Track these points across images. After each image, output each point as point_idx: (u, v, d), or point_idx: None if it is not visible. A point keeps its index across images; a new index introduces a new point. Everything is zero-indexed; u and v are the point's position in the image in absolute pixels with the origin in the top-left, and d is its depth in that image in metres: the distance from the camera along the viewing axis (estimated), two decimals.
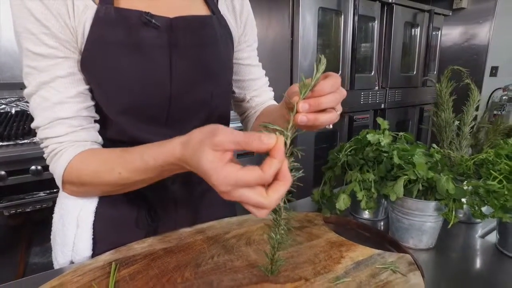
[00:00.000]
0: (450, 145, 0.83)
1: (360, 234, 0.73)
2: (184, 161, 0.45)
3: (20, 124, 1.62)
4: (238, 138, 0.38)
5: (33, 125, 0.60)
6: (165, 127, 0.66)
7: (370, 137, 0.74)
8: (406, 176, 0.65)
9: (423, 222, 0.66)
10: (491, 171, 0.63)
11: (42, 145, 0.61)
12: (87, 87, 0.61)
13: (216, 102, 0.71)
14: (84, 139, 0.61)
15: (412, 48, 2.68)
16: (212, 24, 0.67)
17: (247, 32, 0.77)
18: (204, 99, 0.69)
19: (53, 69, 0.57)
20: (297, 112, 0.43)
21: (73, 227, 0.66)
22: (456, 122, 0.83)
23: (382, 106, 2.51)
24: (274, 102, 0.85)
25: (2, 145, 1.40)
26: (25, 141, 1.44)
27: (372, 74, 2.42)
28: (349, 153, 0.77)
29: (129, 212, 0.70)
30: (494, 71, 3.09)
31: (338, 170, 0.78)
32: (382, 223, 0.81)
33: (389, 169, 0.70)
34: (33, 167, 1.40)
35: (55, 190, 1.50)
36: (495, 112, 2.73)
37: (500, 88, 2.97)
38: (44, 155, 0.61)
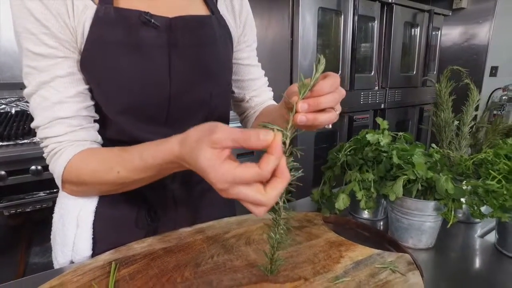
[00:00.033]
0: (449, 145, 0.84)
1: (359, 233, 0.73)
2: (182, 159, 0.45)
3: (20, 124, 1.62)
4: (235, 135, 0.38)
5: (33, 124, 0.60)
6: (165, 126, 0.66)
7: (370, 137, 0.74)
8: (405, 176, 0.65)
9: (422, 222, 0.66)
10: (490, 171, 0.63)
11: (42, 145, 0.61)
12: (87, 86, 0.62)
13: (215, 102, 0.71)
14: (84, 138, 0.61)
15: (412, 48, 2.68)
16: (211, 24, 0.68)
17: (246, 32, 0.77)
18: (203, 99, 0.69)
19: (52, 69, 0.57)
20: (296, 112, 0.44)
21: (73, 227, 0.66)
22: (456, 122, 0.83)
23: (382, 106, 2.51)
24: (274, 102, 0.85)
25: (2, 145, 1.40)
26: (25, 141, 1.44)
27: (372, 74, 2.42)
28: (348, 153, 0.77)
29: (129, 212, 0.70)
30: (494, 71, 3.09)
31: (337, 170, 0.78)
32: (381, 223, 0.81)
33: (388, 169, 0.70)
34: (33, 167, 1.40)
35: (55, 190, 1.51)
36: (494, 112, 2.73)
37: (500, 88, 2.97)
38: (44, 155, 0.62)
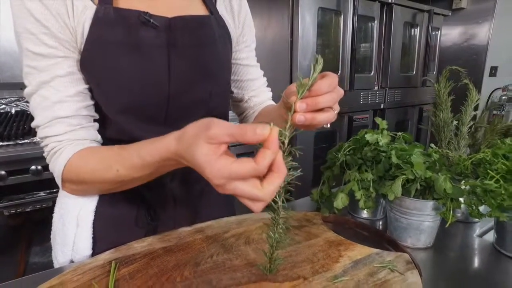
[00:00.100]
0: (448, 145, 0.84)
1: (358, 233, 0.74)
2: (179, 155, 0.45)
3: (20, 124, 1.63)
4: (232, 130, 0.38)
5: (33, 124, 0.60)
6: (164, 126, 0.67)
7: (369, 137, 0.74)
8: (404, 176, 0.65)
9: (421, 221, 0.66)
10: (488, 170, 0.64)
11: (42, 144, 0.61)
12: (87, 86, 0.62)
13: (214, 101, 0.71)
14: (83, 137, 0.61)
15: (411, 48, 2.68)
16: (210, 24, 0.68)
17: (245, 32, 0.78)
18: (202, 98, 0.69)
19: (52, 69, 0.58)
20: (294, 111, 0.44)
21: (73, 226, 0.66)
22: (455, 122, 0.83)
23: (382, 106, 2.51)
24: (272, 102, 0.86)
25: (2, 145, 1.40)
26: (25, 141, 1.45)
27: (372, 74, 2.42)
28: (347, 153, 0.77)
29: (128, 211, 0.71)
30: (493, 71, 3.10)
31: (336, 170, 0.78)
32: (380, 223, 0.81)
33: (387, 168, 0.70)
34: (33, 167, 1.40)
35: (55, 190, 1.51)
36: (494, 112, 2.73)
37: (499, 88, 2.97)
38: (44, 154, 0.62)
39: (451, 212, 0.63)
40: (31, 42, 0.56)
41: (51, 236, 0.71)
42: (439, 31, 2.92)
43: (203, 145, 0.39)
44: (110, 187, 0.61)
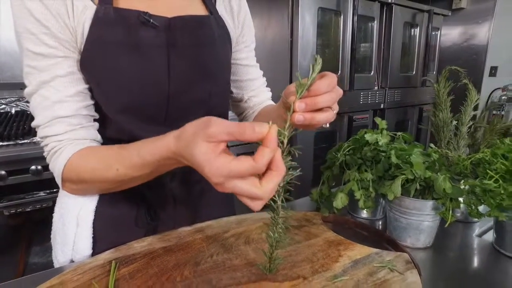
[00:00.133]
0: (448, 145, 0.84)
1: (358, 233, 0.74)
2: (179, 154, 0.45)
3: (20, 124, 1.63)
4: (231, 129, 0.39)
5: (33, 124, 0.60)
6: (164, 126, 0.67)
7: (368, 136, 0.74)
8: (403, 176, 0.66)
9: (420, 221, 0.66)
10: (487, 170, 0.64)
11: (42, 144, 0.62)
12: (87, 86, 0.62)
13: (214, 101, 0.71)
14: (83, 137, 0.62)
15: (411, 48, 2.69)
16: (210, 24, 0.68)
17: (244, 32, 0.78)
18: (202, 98, 0.69)
19: (53, 69, 0.58)
20: (294, 111, 0.44)
21: (73, 226, 0.66)
22: (454, 122, 0.84)
23: (382, 106, 2.51)
24: (272, 102, 0.86)
25: (2, 145, 1.40)
26: (25, 141, 1.45)
27: (372, 74, 2.42)
28: (347, 153, 0.77)
29: (128, 210, 0.71)
30: (493, 71, 3.10)
31: (336, 170, 0.78)
32: (380, 222, 0.81)
33: (387, 168, 0.70)
34: (33, 167, 1.40)
35: (55, 190, 1.51)
36: (494, 112, 2.73)
37: (499, 88, 2.97)
38: (44, 154, 0.62)
39: (451, 212, 0.63)
40: (32, 42, 0.56)
41: (51, 236, 0.72)
42: (439, 31, 2.92)
43: (202, 143, 0.39)
44: (110, 186, 0.61)
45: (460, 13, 3.19)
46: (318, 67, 0.42)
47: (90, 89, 0.63)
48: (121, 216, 0.70)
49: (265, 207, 0.47)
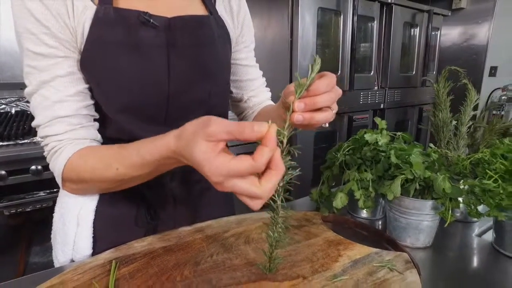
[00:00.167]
0: (447, 145, 0.84)
1: (358, 233, 0.74)
2: (178, 153, 0.45)
3: (20, 124, 1.63)
4: (230, 128, 0.39)
5: (33, 123, 0.61)
6: (164, 125, 0.67)
7: (368, 136, 0.74)
8: (403, 176, 0.66)
9: (420, 221, 0.67)
10: (486, 170, 0.64)
11: (42, 144, 0.62)
12: (87, 86, 0.62)
13: (214, 101, 0.71)
14: (84, 137, 0.62)
15: (411, 48, 2.69)
16: (210, 24, 0.68)
17: (244, 33, 0.78)
18: (202, 98, 0.70)
19: (53, 69, 0.58)
20: (293, 111, 0.44)
21: (73, 226, 0.66)
22: (454, 122, 0.84)
23: (382, 106, 2.52)
24: (271, 102, 0.86)
25: (2, 145, 1.41)
26: (25, 141, 1.45)
27: (372, 74, 2.43)
28: (347, 153, 0.77)
29: (128, 210, 0.71)
30: (493, 71, 3.10)
31: (336, 170, 0.78)
32: (379, 222, 0.81)
33: (386, 168, 0.70)
34: (33, 167, 1.40)
35: (55, 190, 1.51)
36: (494, 112, 2.73)
37: (499, 88, 2.97)
38: (44, 153, 0.62)
39: (450, 211, 0.63)
40: (32, 42, 0.56)
41: (52, 236, 0.72)
42: (439, 31, 2.92)
43: (202, 142, 0.40)
44: (110, 186, 0.61)
45: (460, 13, 3.19)
46: (317, 67, 0.43)
47: (90, 89, 0.63)
48: (121, 216, 0.70)
49: (265, 207, 0.47)
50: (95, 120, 0.65)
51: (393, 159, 0.68)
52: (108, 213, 0.68)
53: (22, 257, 1.50)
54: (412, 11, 2.54)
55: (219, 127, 0.39)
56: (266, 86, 0.87)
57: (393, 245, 0.67)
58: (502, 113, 2.76)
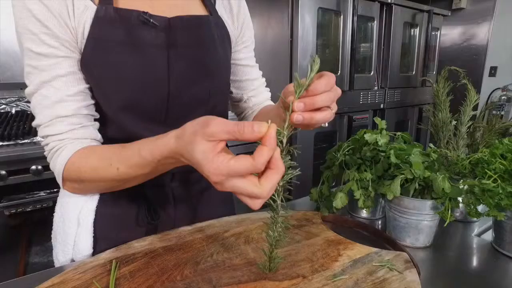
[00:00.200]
0: (447, 145, 0.84)
1: (357, 232, 0.74)
2: (179, 153, 0.46)
3: (20, 124, 1.63)
4: (230, 128, 0.39)
5: (34, 123, 0.61)
6: (164, 125, 0.67)
7: (368, 136, 0.75)
8: (403, 175, 0.66)
9: (419, 220, 0.67)
10: (486, 170, 0.64)
11: (43, 143, 0.62)
12: (87, 85, 0.62)
13: (214, 100, 0.72)
14: (84, 136, 0.62)
15: (411, 48, 2.69)
16: (210, 24, 0.68)
17: (244, 33, 0.78)
18: (202, 98, 0.70)
19: (53, 68, 0.58)
20: (292, 111, 0.44)
21: (73, 226, 0.66)
22: (453, 122, 0.84)
23: (381, 106, 2.52)
24: (271, 103, 0.86)
25: (2, 145, 1.41)
26: (25, 141, 1.45)
27: (371, 74, 2.43)
28: (347, 153, 0.77)
29: (129, 210, 0.71)
30: (493, 71, 3.10)
31: (336, 170, 0.79)
32: (379, 222, 0.82)
33: (386, 168, 0.70)
34: (33, 167, 1.40)
35: (55, 190, 1.51)
36: (494, 112, 2.73)
37: (499, 88, 2.98)
38: (45, 153, 0.62)
39: (450, 211, 0.64)
40: (32, 42, 0.56)
41: (52, 236, 0.72)
42: (439, 31, 2.93)
43: (202, 142, 0.40)
44: (111, 185, 0.61)
45: (460, 13, 3.20)
46: (317, 66, 0.43)
47: (90, 89, 0.63)
48: (122, 216, 0.70)
49: (265, 207, 0.47)
50: (95, 120, 0.65)
51: (393, 159, 0.68)
52: (108, 213, 0.68)
53: (22, 257, 1.50)
54: (412, 11, 2.54)
55: (219, 127, 0.39)
56: (266, 86, 0.88)
57: (393, 244, 0.67)
58: (502, 113, 2.76)
